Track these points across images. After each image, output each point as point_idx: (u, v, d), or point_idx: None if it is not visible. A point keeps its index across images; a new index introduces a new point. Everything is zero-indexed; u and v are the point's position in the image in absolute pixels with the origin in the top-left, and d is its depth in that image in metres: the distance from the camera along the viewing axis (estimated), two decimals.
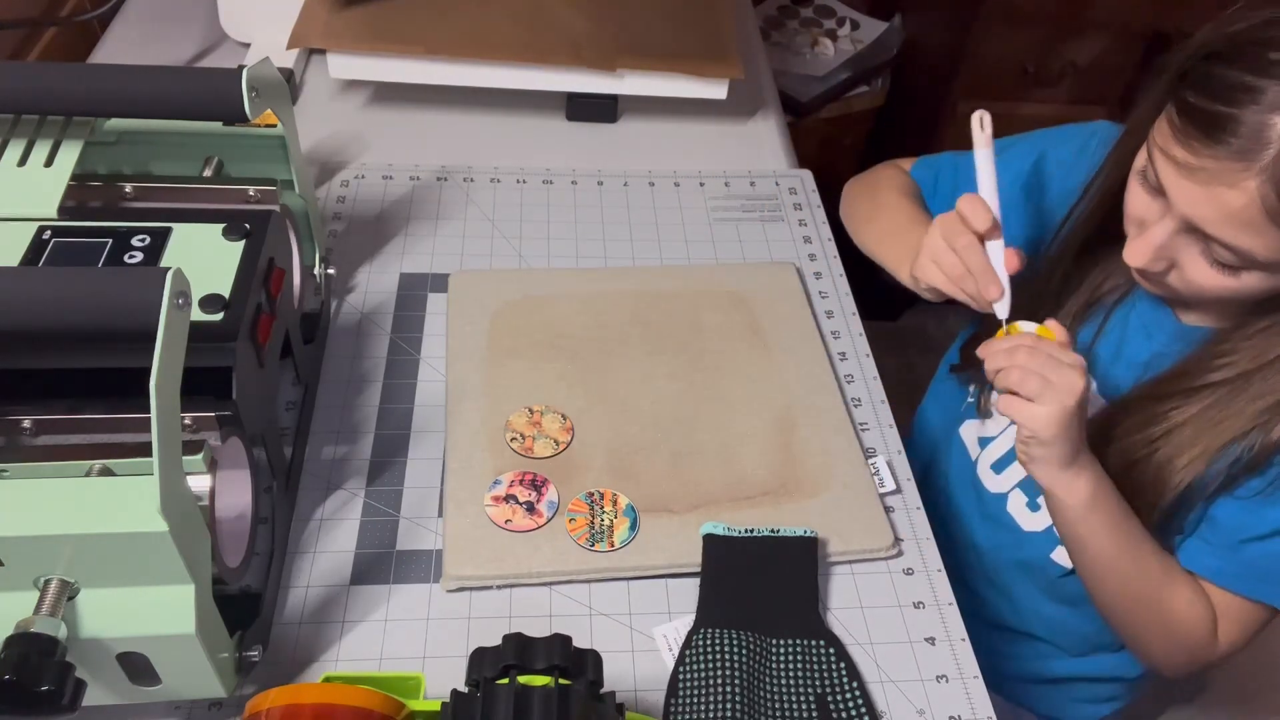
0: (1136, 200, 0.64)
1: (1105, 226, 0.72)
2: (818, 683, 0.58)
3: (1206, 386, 0.66)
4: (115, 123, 0.66)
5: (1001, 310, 0.67)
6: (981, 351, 0.67)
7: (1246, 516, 0.67)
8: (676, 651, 0.59)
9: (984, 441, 0.83)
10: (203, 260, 0.56)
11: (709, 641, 0.58)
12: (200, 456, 0.48)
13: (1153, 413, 0.69)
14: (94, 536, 0.43)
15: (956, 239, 0.67)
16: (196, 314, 0.51)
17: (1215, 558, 0.69)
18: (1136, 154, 0.65)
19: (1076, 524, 0.68)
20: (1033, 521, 0.80)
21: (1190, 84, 0.58)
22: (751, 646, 0.58)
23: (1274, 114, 0.54)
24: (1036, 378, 0.62)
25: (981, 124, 0.67)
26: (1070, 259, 0.76)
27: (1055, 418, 0.62)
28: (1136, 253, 0.63)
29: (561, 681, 0.45)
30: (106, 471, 0.47)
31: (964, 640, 0.62)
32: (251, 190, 0.65)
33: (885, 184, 0.90)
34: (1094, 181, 0.73)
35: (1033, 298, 0.78)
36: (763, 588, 0.61)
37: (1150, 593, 0.70)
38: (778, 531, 0.63)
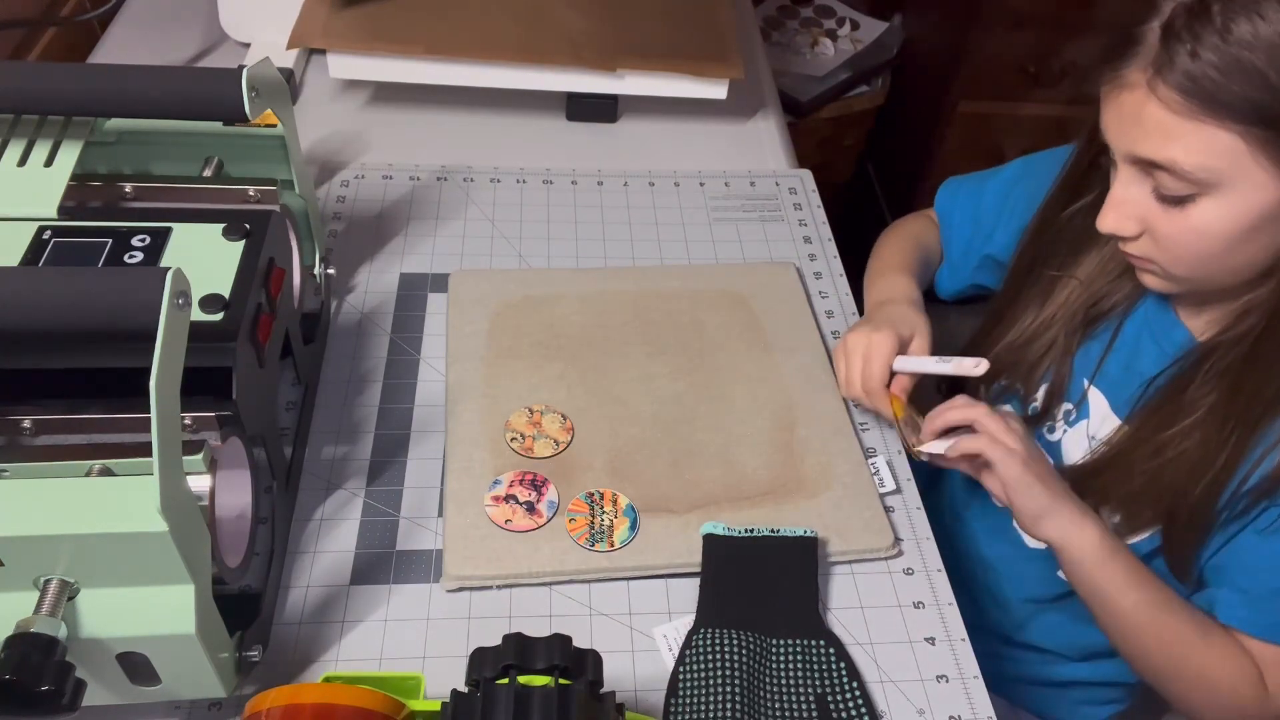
0: (1111, 182, 0.65)
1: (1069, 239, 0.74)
2: (818, 683, 0.58)
3: (1207, 411, 0.65)
4: (115, 123, 0.66)
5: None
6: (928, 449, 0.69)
7: (1275, 561, 0.65)
8: (676, 651, 0.59)
9: None
10: (203, 260, 0.56)
11: (709, 641, 0.58)
12: (200, 456, 0.48)
13: (1158, 439, 0.68)
14: (94, 536, 0.43)
15: (854, 380, 0.72)
16: (196, 314, 0.51)
17: (1248, 608, 0.66)
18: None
19: (1093, 573, 0.67)
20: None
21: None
22: (751, 646, 0.58)
23: (1157, 19, 0.58)
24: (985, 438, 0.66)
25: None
26: (1032, 252, 0.77)
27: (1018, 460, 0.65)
28: (1104, 216, 0.64)
29: (561, 681, 0.45)
30: (106, 471, 0.47)
31: (964, 640, 0.62)
32: (251, 190, 0.65)
33: (897, 230, 0.92)
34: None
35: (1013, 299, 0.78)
36: (763, 588, 0.61)
37: (1181, 646, 0.67)
38: (778, 531, 0.63)
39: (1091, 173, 0.70)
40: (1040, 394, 0.78)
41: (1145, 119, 0.58)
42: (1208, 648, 0.67)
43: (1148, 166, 0.60)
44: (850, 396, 0.73)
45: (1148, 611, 0.67)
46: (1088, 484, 0.72)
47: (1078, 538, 0.66)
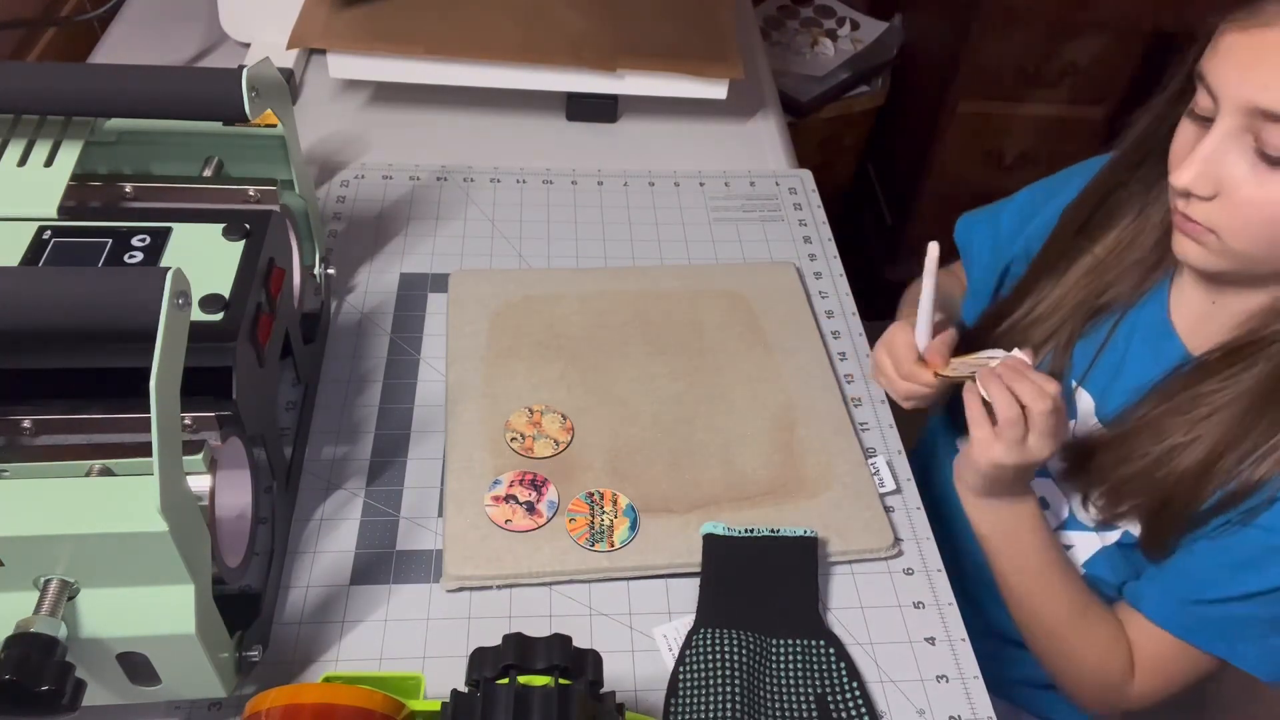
0: (1183, 137, 0.63)
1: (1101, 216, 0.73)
2: (818, 683, 0.58)
3: (1206, 417, 0.65)
4: (115, 123, 0.66)
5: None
6: (982, 381, 0.67)
7: (1218, 572, 0.66)
8: (676, 651, 0.59)
9: None
10: (203, 260, 0.56)
11: (709, 641, 0.58)
12: (200, 456, 0.48)
13: (1160, 427, 0.67)
14: (94, 536, 0.43)
15: (894, 378, 0.73)
16: (196, 314, 0.51)
17: (1172, 607, 0.68)
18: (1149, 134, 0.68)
19: (989, 554, 0.73)
20: None
21: None
22: (751, 646, 0.58)
23: None
24: (1019, 411, 0.65)
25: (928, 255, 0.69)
26: (1087, 212, 0.76)
27: (999, 458, 0.65)
28: (1185, 168, 0.61)
29: (561, 681, 0.45)
30: (106, 471, 0.47)
31: (964, 640, 0.62)
32: (251, 190, 0.65)
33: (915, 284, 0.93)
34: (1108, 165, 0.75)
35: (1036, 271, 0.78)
36: (763, 588, 0.61)
37: (1058, 630, 0.72)
38: (778, 531, 0.63)
39: (1160, 144, 0.67)
40: None
41: None
42: (1082, 629, 0.71)
43: (1260, 120, 0.57)
44: (903, 395, 0.74)
45: (1029, 591, 0.72)
46: (1084, 462, 0.73)
47: (978, 516, 0.72)
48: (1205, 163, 0.60)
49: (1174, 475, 0.66)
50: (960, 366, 0.70)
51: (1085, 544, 0.75)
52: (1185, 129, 0.63)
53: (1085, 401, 0.75)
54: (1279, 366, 0.63)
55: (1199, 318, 0.70)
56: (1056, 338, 0.76)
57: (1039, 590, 0.72)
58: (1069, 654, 0.72)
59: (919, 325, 0.71)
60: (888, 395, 0.76)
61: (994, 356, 0.68)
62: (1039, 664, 0.76)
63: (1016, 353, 0.68)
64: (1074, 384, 0.75)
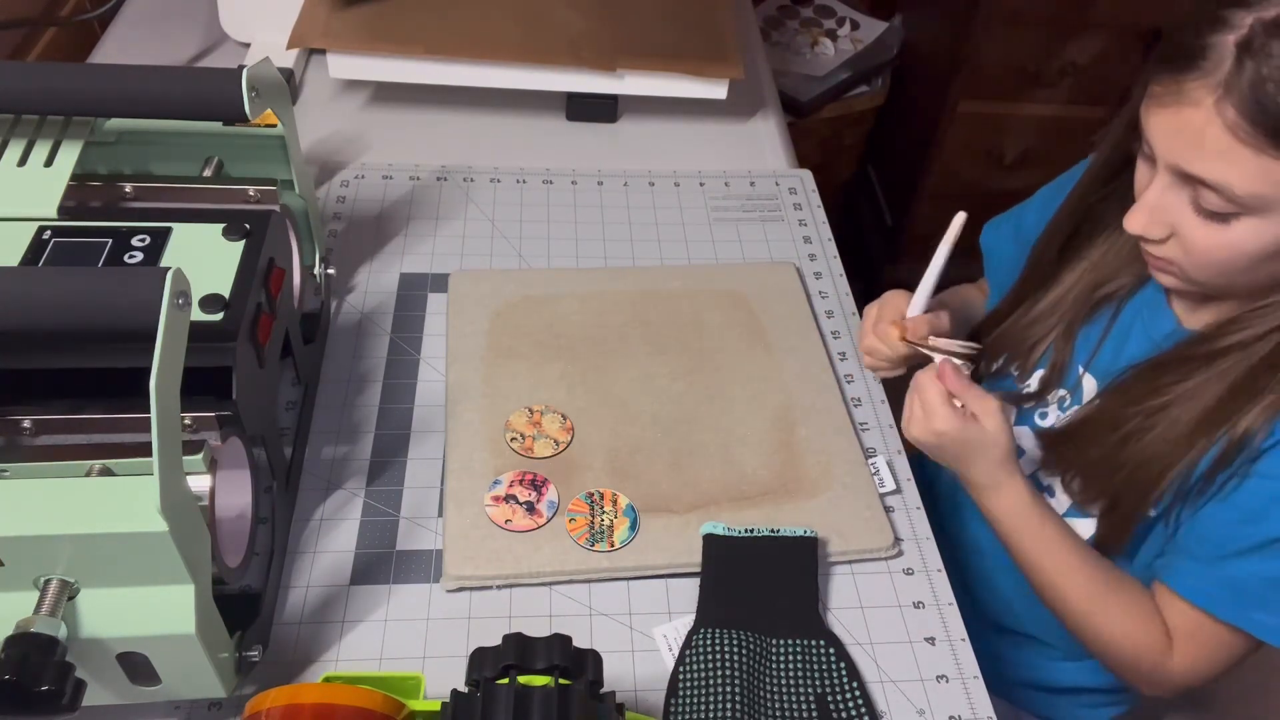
0: (1138, 174, 0.64)
1: (1097, 210, 0.74)
2: (818, 683, 0.58)
3: (1161, 409, 0.66)
4: (115, 123, 0.66)
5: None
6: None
7: (1227, 529, 0.66)
8: (676, 651, 0.59)
9: None
10: (203, 260, 0.56)
11: (709, 641, 0.58)
12: (200, 456, 0.48)
13: (1120, 414, 0.68)
14: (94, 536, 0.43)
15: (868, 330, 0.77)
16: (196, 314, 0.51)
17: (1197, 576, 0.67)
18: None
19: (1005, 540, 0.73)
20: None
21: (1171, 29, 0.60)
22: (751, 646, 0.58)
23: (1230, 33, 0.55)
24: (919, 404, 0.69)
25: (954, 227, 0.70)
26: (1065, 234, 0.76)
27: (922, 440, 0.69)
28: (1134, 216, 0.63)
29: (561, 681, 0.45)
30: (106, 471, 0.47)
31: (964, 640, 0.62)
32: (251, 190, 0.65)
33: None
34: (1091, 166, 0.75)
35: (1032, 269, 0.79)
36: (763, 588, 0.61)
37: (1085, 608, 0.71)
38: (778, 531, 0.63)
39: (1126, 163, 0.68)
40: (1035, 377, 0.78)
41: (1205, 139, 0.56)
42: (1108, 605, 0.70)
43: (1193, 180, 0.58)
44: (865, 350, 0.77)
45: (1050, 571, 0.71)
46: (1051, 450, 0.74)
47: (985, 501, 0.72)
48: (1153, 210, 0.62)
49: (1131, 463, 0.67)
50: (930, 344, 0.71)
51: (1080, 530, 0.75)
52: (1139, 168, 0.65)
53: (1092, 386, 0.75)
54: (1237, 366, 0.64)
55: (1196, 302, 0.70)
56: (1056, 332, 0.77)
57: (1059, 570, 0.71)
58: (1101, 633, 0.71)
59: (917, 294, 0.72)
60: (888, 395, 0.76)
61: (972, 348, 0.71)
62: (1083, 650, 0.75)
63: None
64: (1080, 370, 0.76)
